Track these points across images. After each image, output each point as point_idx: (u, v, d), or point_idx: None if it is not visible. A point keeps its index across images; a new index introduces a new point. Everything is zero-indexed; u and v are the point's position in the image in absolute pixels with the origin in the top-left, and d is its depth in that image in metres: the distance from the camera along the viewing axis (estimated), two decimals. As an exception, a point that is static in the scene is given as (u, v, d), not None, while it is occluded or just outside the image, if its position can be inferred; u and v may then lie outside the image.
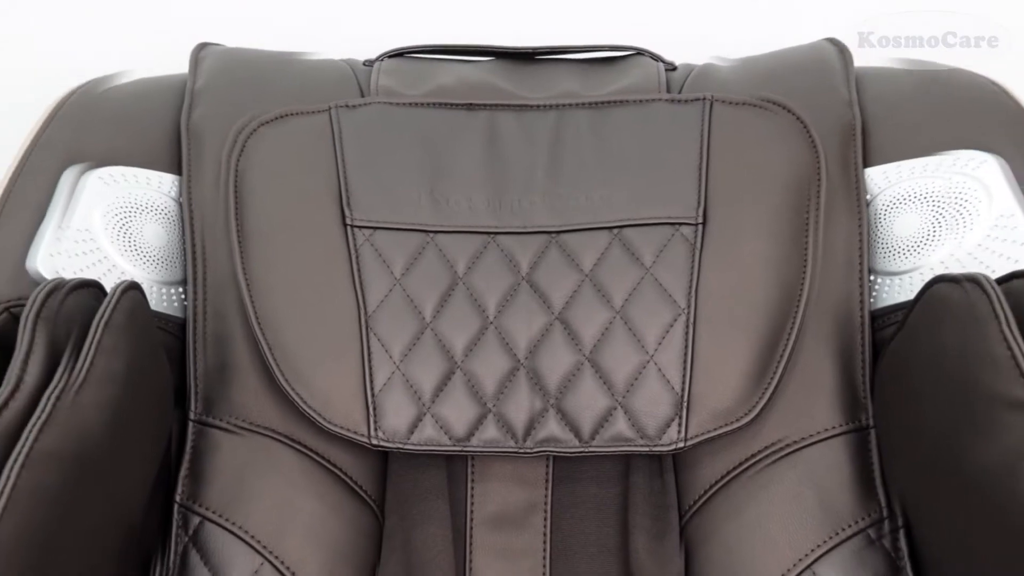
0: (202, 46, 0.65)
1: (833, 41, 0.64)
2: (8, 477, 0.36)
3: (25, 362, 0.41)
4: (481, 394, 0.53)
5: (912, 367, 0.48)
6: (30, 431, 0.38)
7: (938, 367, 0.45)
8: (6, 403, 0.39)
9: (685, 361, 0.53)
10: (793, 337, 0.53)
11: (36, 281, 0.51)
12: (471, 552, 0.55)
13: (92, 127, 0.60)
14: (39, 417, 0.38)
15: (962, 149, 0.56)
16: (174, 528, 0.51)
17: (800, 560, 0.50)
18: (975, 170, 0.55)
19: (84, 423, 0.40)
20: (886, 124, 0.59)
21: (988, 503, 0.41)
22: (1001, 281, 0.44)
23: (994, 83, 0.60)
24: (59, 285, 0.45)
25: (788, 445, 0.52)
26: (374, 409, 0.52)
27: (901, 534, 0.50)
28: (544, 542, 0.55)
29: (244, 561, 0.50)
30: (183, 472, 0.52)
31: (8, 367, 0.41)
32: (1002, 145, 0.56)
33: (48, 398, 0.39)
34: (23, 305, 0.43)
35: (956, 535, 0.45)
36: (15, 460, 0.37)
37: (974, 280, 0.44)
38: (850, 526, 0.51)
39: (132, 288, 0.47)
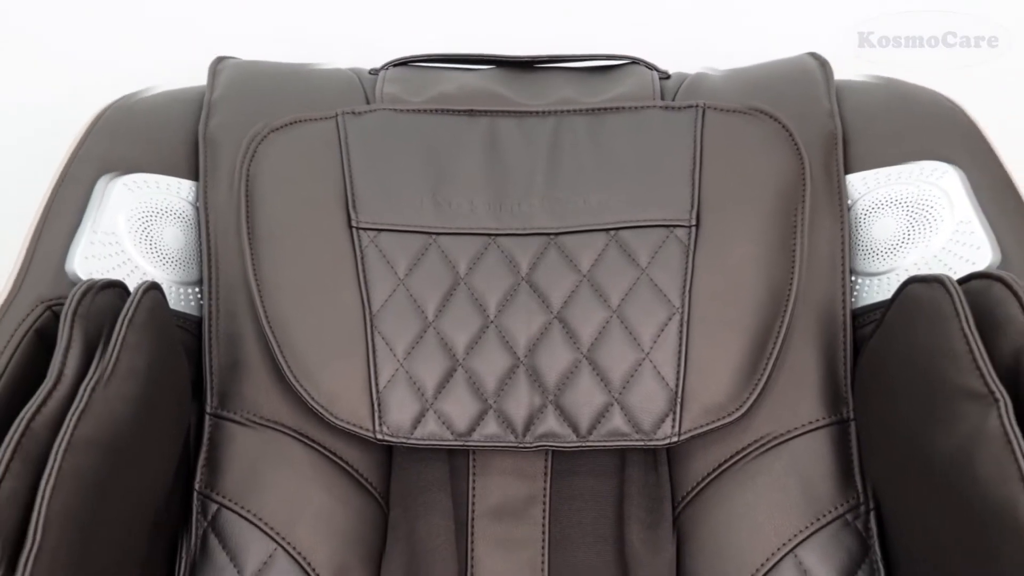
0: (219, 60, 0.69)
1: (814, 55, 0.69)
2: (54, 460, 0.41)
3: (65, 356, 0.46)
4: (482, 391, 0.57)
5: (888, 363, 0.53)
6: (70, 419, 0.43)
7: (911, 363, 0.50)
8: (50, 394, 0.44)
9: (679, 359, 0.56)
10: (782, 336, 0.57)
11: (73, 282, 0.56)
12: (473, 542, 0.59)
13: (121, 138, 0.64)
14: (78, 407, 0.44)
15: (927, 160, 0.61)
16: (194, 514, 0.56)
17: (784, 544, 0.55)
18: (939, 180, 0.60)
19: (113, 413, 0.45)
20: (864, 134, 0.64)
21: (948, 486, 0.46)
22: (962, 282, 0.50)
23: (951, 101, 0.66)
24: (92, 285, 0.50)
25: (775, 437, 0.57)
26: (379, 405, 0.56)
27: (872, 515, 0.56)
28: (543, 532, 0.59)
29: (259, 547, 0.55)
30: (201, 462, 0.57)
31: (51, 360, 0.46)
32: (959, 157, 0.61)
33: (84, 389, 0.45)
34: (63, 304, 0.48)
35: (921, 516, 0.50)
36: (59, 445, 0.42)
37: (938, 281, 0.49)
38: (830, 512, 0.55)
39: (153, 288, 0.52)
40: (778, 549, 0.54)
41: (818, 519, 0.55)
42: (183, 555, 0.56)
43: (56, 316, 0.49)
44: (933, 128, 0.63)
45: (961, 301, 0.48)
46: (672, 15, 0.89)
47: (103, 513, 0.44)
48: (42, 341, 0.51)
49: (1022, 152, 0.92)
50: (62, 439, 0.42)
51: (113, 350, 0.46)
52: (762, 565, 0.54)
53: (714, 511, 0.56)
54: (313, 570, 0.54)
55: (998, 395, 0.44)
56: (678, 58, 0.85)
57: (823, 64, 0.67)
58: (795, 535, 0.55)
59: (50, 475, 0.41)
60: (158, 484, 0.51)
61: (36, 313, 0.52)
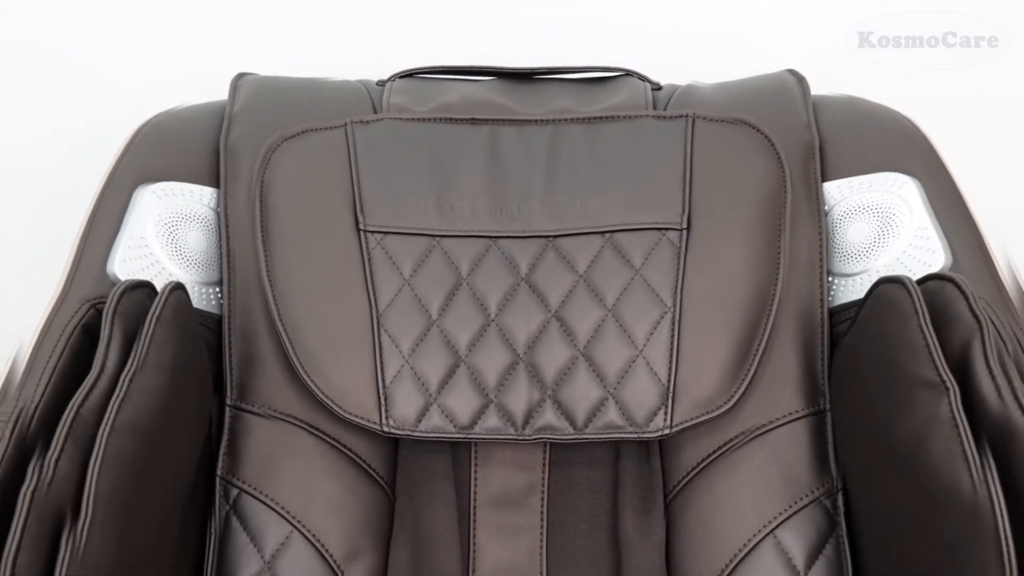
0: (240, 75, 0.76)
1: (792, 72, 0.76)
2: (100, 443, 0.49)
3: (107, 350, 0.54)
4: (483, 386, 0.64)
5: (861, 357, 0.61)
6: (113, 406, 0.51)
7: (880, 356, 0.57)
8: (94, 384, 0.52)
9: (671, 355, 0.63)
10: (767, 334, 0.64)
11: (114, 282, 0.63)
12: (475, 529, 0.65)
13: (154, 150, 0.72)
14: (118, 395, 0.51)
15: (889, 172, 0.69)
16: (217, 497, 0.63)
17: (764, 527, 0.62)
18: (899, 189, 0.68)
19: (145, 403, 0.51)
20: (838, 145, 0.71)
21: (906, 466, 0.53)
22: (920, 282, 0.57)
23: (907, 118, 0.73)
24: (130, 285, 0.58)
25: (759, 427, 0.64)
26: (385, 399, 0.62)
27: (839, 495, 0.63)
28: (541, 520, 0.65)
29: (276, 528, 0.62)
30: (223, 449, 0.64)
31: (95, 353, 0.54)
32: (916, 170, 0.69)
33: (124, 379, 0.52)
34: (104, 302, 0.56)
35: (883, 495, 0.57)
36: (104, 429, 0.50)
37: (900, 282, 0.57)
38: (807, 495, 0.63)
39: (178, 288, 0.60)
40: (759, 531, 0.61)
41: (796, 502, 0.62)
42: (212, 534, 0.63)
43: (100, 314, 0.57)
44: (894, 143, 0.71)
45: (919, 300, 0.55)
46: (673, 15, 0.94)
47: (141, 492, 0.52)
48: (88, 336, 0.58)
49: (1022, 151, 0.97)
50: (106, 424, 0.50)
51: (142, 345, 0.54)
52: (744, 545, 0.61)
53: (701, 497, 0.63)
54: (327, 551, 0.61)
55: (948, 384, 0.52)
56: (681, 57, 0.90)
57: (800, 80, 0.74)
58: (775, 517, 0.62)
59: (97, 456, 0.48)
60: (185, 468, 0.59)
61: (82, 311, 0.59)
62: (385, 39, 0.94)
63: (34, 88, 0.94)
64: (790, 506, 0.62)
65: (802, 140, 0.70)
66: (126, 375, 0.52)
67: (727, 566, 0.61)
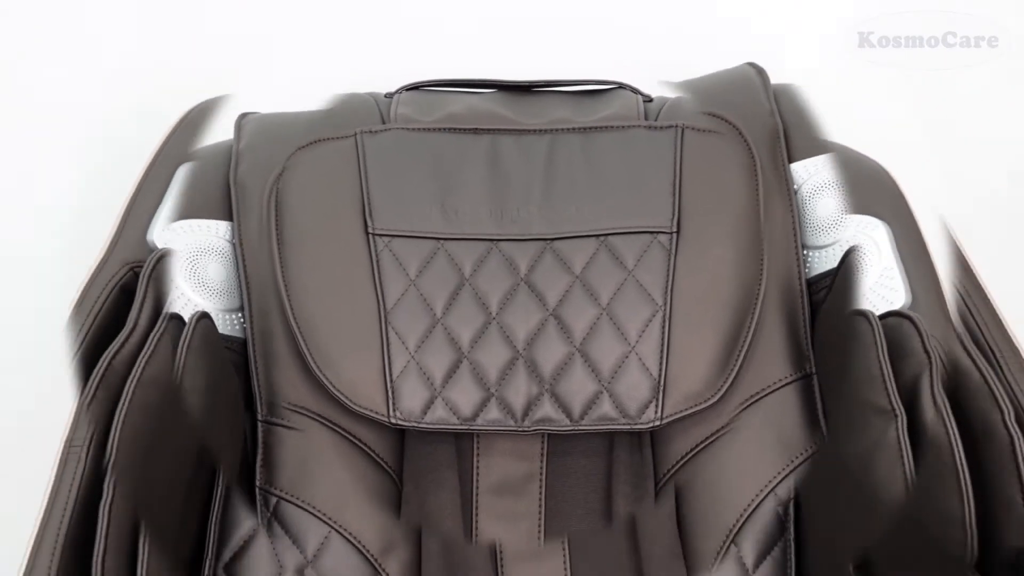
0: (243, 115, 0.81)
1: (752, 64, 0.82)
2: (127, 393, 0.56)
3: (140, 309, 0.61)
4: (485, 380, 0.68)
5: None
6: (141, 361, 0.57)
7: (843, 382, 0.63)
8: (127, 339, 0.59)
9: (662, 351, 0.67)
10: (752, 329, 0.69)
11: (151, 249, 0.69)
12: (477, 515, 0.69)
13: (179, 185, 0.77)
14: (147, 351, 0.58)
15: (864, 215, 0.72)
16: (258, 506, 0.67)
17: (764, 487, 0.67)
18: (872, 232, 0.71)
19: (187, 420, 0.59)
20: (800, 128, 0.76)
21: (856, 483, 0.60)
22: (882, 317, 0.64)
23: (879, 164, 0.76)
24: (165, 254, 0.65)
25: (752, 395, 0.69)
26: (392, 393, 0.67)
27: None
28: (540, 506, 0.69)
29: (316, 531, 0.66)
30: (259, 462, 0.68)
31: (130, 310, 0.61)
32: (886, 214, 0.72)
33: (153, 338, 0.59)
34: (142, 266, 0.63)
35: (836, 491, 0.63)
36: (132, 381, 0.56)
37: (863, 315, 0.63)
38: (801, 455, 0.67)
39: (204, 317, 0.65)
40: (759, 491, 0.66)
41: (792, 461, 0.67)
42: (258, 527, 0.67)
43: (137, 276, 0.64)
44: (869, 189, 0.74)
45: (880, 334, 0.62)
46: (673, 15, 0.98)
47: (157, 446, 0.57)
48: (125, 295, 0.65)
49: (1021, 151, 1.01)
50: (134, 377, 0.56)
51: (177, 373, 0.60)
52: (747, 507, 0.66)
53: (706, 466, 0.68)
54: (363, 547, 0.66)
55: (897, 412, 0.58)
56: (681, 57, 0.94)
57: (760, 72, 0.80)
58: (773, 477, 0.66)
59: (124, 404, 0.55)
60: (206, 455, 0.64)
61: (121, 273, 0.66)
62: (385, 43, 0.98)
63: (33, 88, 0.98)
64: (786, 466, 0.66)
65: (767, 126, 0.75)
66: (156, 333, 0.58)
67: (734, 526, 0.66)
